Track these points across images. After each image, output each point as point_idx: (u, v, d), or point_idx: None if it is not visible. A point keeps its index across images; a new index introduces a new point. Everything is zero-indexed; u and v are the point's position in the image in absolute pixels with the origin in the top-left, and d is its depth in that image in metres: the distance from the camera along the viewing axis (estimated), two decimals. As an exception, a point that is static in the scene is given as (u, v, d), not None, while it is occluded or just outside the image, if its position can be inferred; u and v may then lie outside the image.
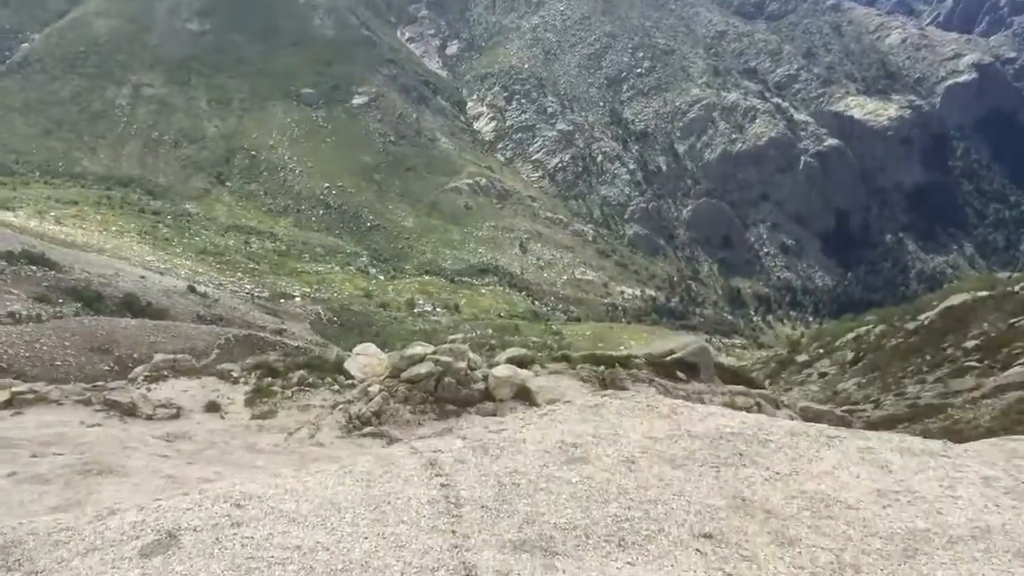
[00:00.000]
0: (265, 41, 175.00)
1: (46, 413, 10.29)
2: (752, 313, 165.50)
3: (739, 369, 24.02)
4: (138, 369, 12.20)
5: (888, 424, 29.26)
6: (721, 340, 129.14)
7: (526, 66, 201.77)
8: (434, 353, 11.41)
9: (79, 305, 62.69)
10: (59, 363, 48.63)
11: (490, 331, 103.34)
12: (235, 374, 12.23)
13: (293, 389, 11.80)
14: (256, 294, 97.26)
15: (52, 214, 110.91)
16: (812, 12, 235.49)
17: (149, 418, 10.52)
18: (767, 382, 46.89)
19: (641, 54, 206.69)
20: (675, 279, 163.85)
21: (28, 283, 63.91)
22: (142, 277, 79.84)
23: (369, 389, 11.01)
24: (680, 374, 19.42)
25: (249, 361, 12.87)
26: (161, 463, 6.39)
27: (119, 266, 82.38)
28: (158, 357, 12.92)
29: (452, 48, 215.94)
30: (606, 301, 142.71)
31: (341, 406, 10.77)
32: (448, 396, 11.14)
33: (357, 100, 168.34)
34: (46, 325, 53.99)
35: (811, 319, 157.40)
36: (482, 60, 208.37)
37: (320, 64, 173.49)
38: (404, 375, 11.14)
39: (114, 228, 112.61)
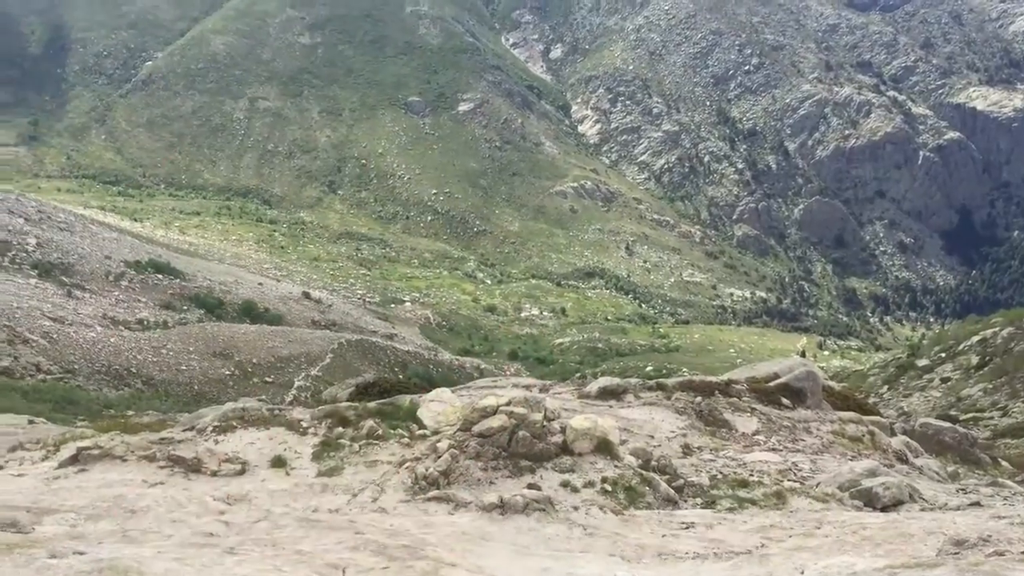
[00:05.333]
0: (373, 52, 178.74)
1: (111, 470, 10.25)
2: (868, 314, 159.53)
3: (850, 393, 22.69)
4: (207, 418, 12.12)
5: (1016, 433, 27.25)
6: (836, 342, 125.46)
7: (630, 67, 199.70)
8: (508, 404, 10.82)
9: (202, 312, 65.37)
10: (183, 368, 50.75)
11: (597, 334, 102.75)
12: (304, 424, 11.97)
13: (362, 442, 11.44)
14: (368, 299, 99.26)
15: (176, 224, 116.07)
16: (930, 1, 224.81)
17: (214, 474, 10.34)
18: (885, 388, 44.68)
19: (749, 51, 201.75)
20: (786, 280, 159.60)
21: (155, 291, 66.99)
22: (260, 284, 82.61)
23: (438, 445, 10.52)
24: (785, 400, 18.41)
25: (320, 409, 12.61)
26: (196, 555, 6.04)
27: (238, 274, 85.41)
28: (227, 406, 12.84)
29: (556, 52, 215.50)
30: (715, 303, 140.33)
31: (408, 464, 10.31)
32: (522, 451, 10.55)
33: (463, 107, 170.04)
34: (172, 331, 56.47)
35: (932, 320, 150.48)
36: (586, 63, 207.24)
37: (426, 72, 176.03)
38: (476, 428, 10.60)
39: (233, 237, 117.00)
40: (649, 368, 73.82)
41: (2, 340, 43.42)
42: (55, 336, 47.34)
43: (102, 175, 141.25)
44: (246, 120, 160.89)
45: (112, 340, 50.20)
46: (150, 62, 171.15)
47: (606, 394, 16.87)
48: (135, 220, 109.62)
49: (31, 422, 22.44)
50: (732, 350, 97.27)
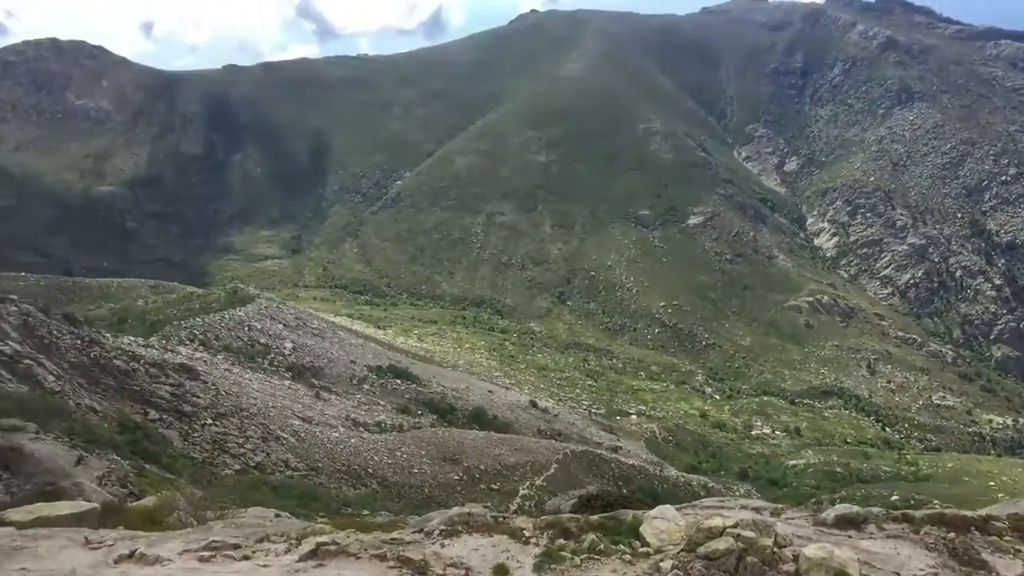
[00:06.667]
0: (606, 167, 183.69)
1: (345, 567, 10.71)
2: None
3: None
4: (434, 522, 12.45)
5: None
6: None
7: (871, 179, 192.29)
8: (735, 527, 10.34)
9: (435, 417, 67.94)
10: (415, 471, 52.65)
11: (835, 458, 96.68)
12: (527, 533, 12.01)
13: (583, 555, 11.29)
14: (593, 411, 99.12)
15: (415, 332, 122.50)
16: None
17: (439, 578, 10.55)
18: None
19: (1006, 160, 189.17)
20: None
21: (393, 395, 70.61)
22: (490, 391, 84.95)
23: (661, 564, 10.18)
24: (1056, 542, 16.30)
25: (543, 519, 12.61)
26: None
27: (470, 381, 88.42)
28: (454, 511, 13.13)
29: (791, 165, 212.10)
30: (970, 430, 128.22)
31: (630, 583, 10.06)
32: (750, 578, 10.00)
33: (693, 220, 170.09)
34: (406, 435, 58.99)
35: None
36: (822, 175, 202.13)
37: (657, 187, 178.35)
38: (701, 550, 10.18)
39: (467, 345, 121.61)
40: (894, 497, 68.18)
41: (258, 437, 46.99)
42: (303, 435, 50.69)
43: (352, 285, 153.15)
44: (483, 234, 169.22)
45: (352, 441, 53.03)
46: (399, 181, 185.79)
47: (844, 522, 15.68)
48: (379, 327, 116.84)
49: (277, 515, 23.89)
50: (992, 483, 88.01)
